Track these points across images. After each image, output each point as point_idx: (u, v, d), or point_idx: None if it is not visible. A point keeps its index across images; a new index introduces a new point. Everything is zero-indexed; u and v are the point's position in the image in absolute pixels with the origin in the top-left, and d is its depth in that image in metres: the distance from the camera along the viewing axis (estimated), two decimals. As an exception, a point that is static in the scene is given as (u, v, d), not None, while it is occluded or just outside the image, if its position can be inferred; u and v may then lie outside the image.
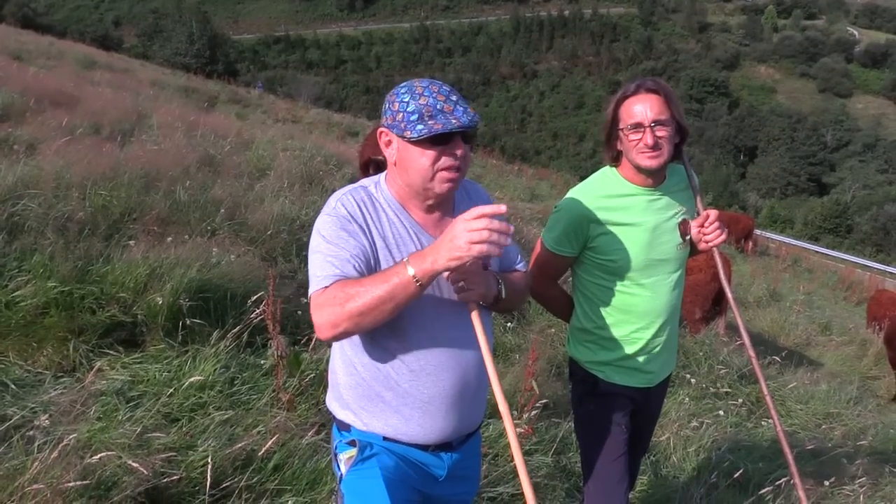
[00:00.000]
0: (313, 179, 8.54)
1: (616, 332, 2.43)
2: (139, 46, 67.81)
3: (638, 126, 2.26)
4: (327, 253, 1.75)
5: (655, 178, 2.36)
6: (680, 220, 2.41)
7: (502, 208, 1.61)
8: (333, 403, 1.97)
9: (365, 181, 1.91)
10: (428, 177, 1.79)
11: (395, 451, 1.88)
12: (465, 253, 1.58)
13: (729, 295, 2.62)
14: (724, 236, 2.38)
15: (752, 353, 2.47)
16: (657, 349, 2.46)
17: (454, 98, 1.77)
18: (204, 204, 5.32)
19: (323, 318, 1.67)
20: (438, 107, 1.74)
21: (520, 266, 2.12)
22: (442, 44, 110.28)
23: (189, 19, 63.49)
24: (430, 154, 1.76)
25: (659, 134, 2.25)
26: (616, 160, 2.40)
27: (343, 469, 1.89)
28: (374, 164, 2.07)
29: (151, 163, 5.94)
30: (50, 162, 5.25)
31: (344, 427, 1.93)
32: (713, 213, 2.36)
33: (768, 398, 2.43)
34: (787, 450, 2.39)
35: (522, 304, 2.12)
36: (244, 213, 5.55)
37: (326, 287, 1.69)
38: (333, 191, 6.21)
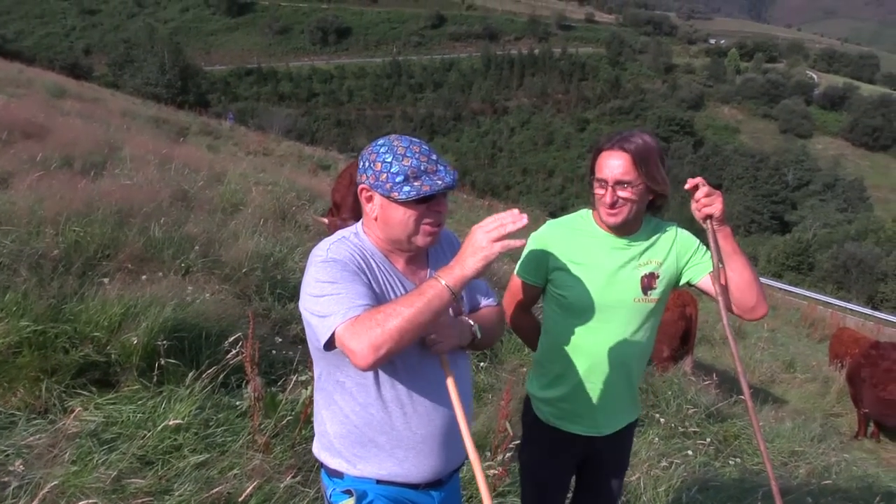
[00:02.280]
0: (286, 215, 8.56)
1: (560, 369, 2.44)
2: (109, 75, 67.43)
3: (602, 182, 2.29)
4: (339, 291, 1.76)
5: (621, 230, 2.37)
6: (645, 273, 2.38)
7: (514, 211, 1.71)
8: (323, 453, 1.98)
9: (343, 232, 1.96)
10: (411, 232, 1.86)
11: (388, 495, 1.92)
12: (489, 251, 1.68)
13: (729, 336, 2.39)
14: (718, 205, 2.22)
15: (751, 407, 2.34)
16: (601, 399, 2.42)
17: (434, 157, 1.85)
18: (178, 241, 5.30)
19: (363, 342, 1.66)
20: (422, 168, 1.81)
21: (489, 301, 2.16)
22: (414, 79, 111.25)
23: (161, 49, 63.36)
24: (413, 213, 1.84)
25: (620, 194, 2.27)
26: (593, 205, 2.41)
27: None
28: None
29: (125, 198, 5.91)
30: (23, 197, 5.21)
31: (336, 475, 1.95)
32: (699, 179, 2.25)
33: (765, 453, 2.33)
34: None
35: (499, 338, 2.17)
36: (218, 249, 5.55)
37: (357, 316, 1.70)
38: (307, 226, 6.20)
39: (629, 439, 2.66)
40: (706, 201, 2.23)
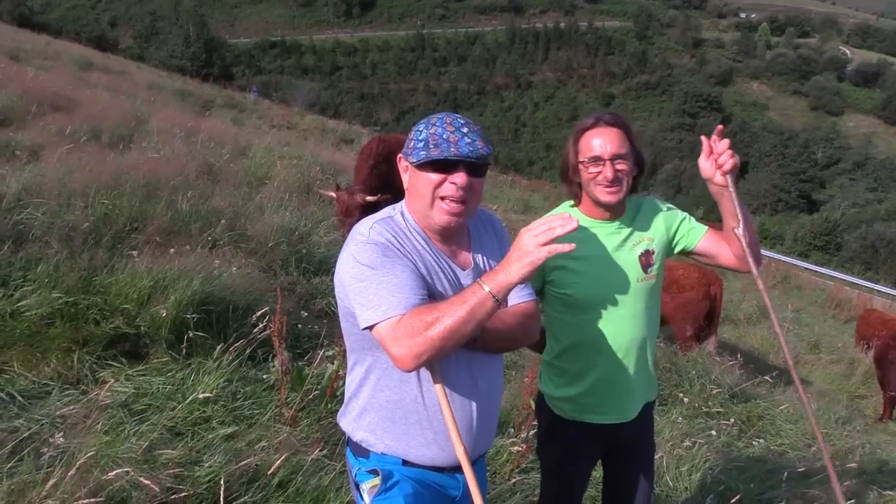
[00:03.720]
0: (310, 189, 8.60)
1: (577, 368, 2.40)
2: (135, 48, 67.76)
3: (597, 159, 2.24)
4: (381, 280, 1.74)
5: (613, 212, 2.35)
6: (641, 252, 2.37)
7: (566, 214, 1.68)
8: (352, 425, 1.98)
9: (388, 210, 1.95)
10: (428, 202, 1.84)
11: (414, 476, 1.92)
12: (536, 256, 1.64)
13: (775, 322, 2.33)
14: (736, 160, 2.18)
15: (811, 415, 2.30)
16: (624, 384, 2.40)
17: (464, 130, 1.82)
18: (205, 214, 5.36)
19: (404, 349, 1.68)
20: (445, 136, 1.81)
21: (522, 295, 2.00)
22: (437, 52, 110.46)
23: (185, 22, 63.42)
24: (432, 179, 1.82)
25: (619, 167, 2.24)
26: (576, 197, 2.38)
27: (367, 499, 1.91)
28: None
29: (152, 171, 5.97)
30: (53, 169, 5.28)
31: (362, 453, 1.95)
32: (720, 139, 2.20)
33: (826, 453, 2.27)
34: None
35: (525, 339, 2.03)
36: (244, 223, 5.60)
37: (399, 318, 1.70)
38: (331, 201, 6.17)
39: (650, 421, 2.64)
40: (731, 152, 2.18)
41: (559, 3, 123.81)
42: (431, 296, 1.81)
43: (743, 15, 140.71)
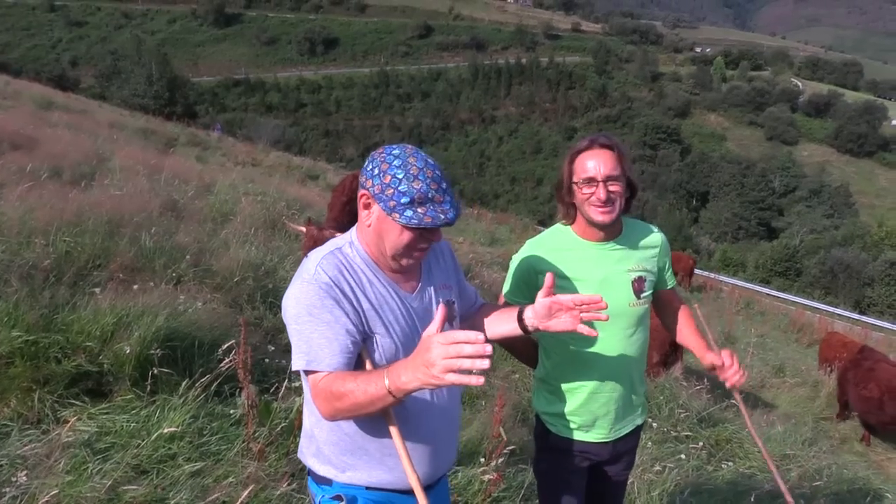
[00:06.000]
0: (276, 224, 8.56)
1: (567, 385, 2.46)
2: (96, 87, 67.19)
3: (591, 181, 2.30)
4: (314, 330, 1.77)
5: (608, 233, 2.41)
6: (635, 278, 2.43)
7: (480, 337, 1.53)
8: (311, 459, 1.97)
9: (338, 241, 1.94)
10: (400, 253, 1.84)
11: (378, 500, 1.92)
12: (439, 382, 1.56)
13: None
14: (743, 378, 2.42)
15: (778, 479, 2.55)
16: (610, 405, 2.47)
17: (444, 186, 1.80)
18: (169, 250, 5.30)
19: (321, 407, 1.78)
20: (430, 195, 1.76)
21: (480, 302, 2.26)
22: (401, 89, 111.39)
23: (148, 61, 63.10)
24: (408, 236, 1.81)
25: (612, 188, 2.30)
26: (570, 217, 2.44)
27: None
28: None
29: (115, 208, 5.90)
30: (13, 208, 5.19)
31: (324, 482, 1.94)
32: (727, 355, 2.44)
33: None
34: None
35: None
36: (209, 259, 5.54)
37: (321, 378, 1.76)
38: (297, 236, 6.18)
39: (636, 439, 2.71)
40: (737, 376, 2.41)
41: (520, 40, 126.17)
42: (379, 329, 1.85)
43: (698, 49, 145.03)
